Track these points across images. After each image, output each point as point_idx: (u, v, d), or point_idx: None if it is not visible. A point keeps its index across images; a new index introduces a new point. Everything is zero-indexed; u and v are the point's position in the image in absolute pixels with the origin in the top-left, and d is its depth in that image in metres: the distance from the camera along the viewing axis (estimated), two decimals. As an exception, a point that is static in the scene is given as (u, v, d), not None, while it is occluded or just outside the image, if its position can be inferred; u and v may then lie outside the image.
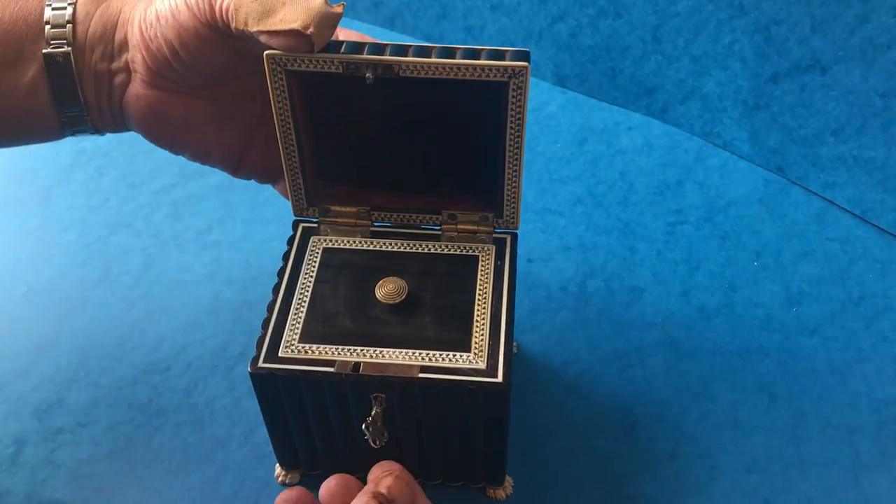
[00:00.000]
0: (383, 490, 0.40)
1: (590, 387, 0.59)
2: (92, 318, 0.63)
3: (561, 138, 0.75)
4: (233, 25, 0.42)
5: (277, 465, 0.55)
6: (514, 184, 0.50)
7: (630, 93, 0.75)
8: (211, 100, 0.48)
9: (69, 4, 0.45)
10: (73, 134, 0.48)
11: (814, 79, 0.64)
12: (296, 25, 0.41)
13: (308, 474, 0.55)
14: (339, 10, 0.42)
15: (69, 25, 0.44)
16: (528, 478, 0.54)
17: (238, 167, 0.51)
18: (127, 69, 0.46)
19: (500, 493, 0.53)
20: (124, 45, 0.45)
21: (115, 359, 0.61)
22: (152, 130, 0.48)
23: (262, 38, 0.42)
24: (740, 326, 0.62)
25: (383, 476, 0.41)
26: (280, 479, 0.55)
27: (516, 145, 0.48)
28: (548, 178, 0.72)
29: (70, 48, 0.44)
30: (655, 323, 0.62)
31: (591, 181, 0.72)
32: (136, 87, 0.46)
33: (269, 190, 0.55)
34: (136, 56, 0.45)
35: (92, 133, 0.49)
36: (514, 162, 0.49)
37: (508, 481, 0.54)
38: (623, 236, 0.68)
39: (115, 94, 0.47)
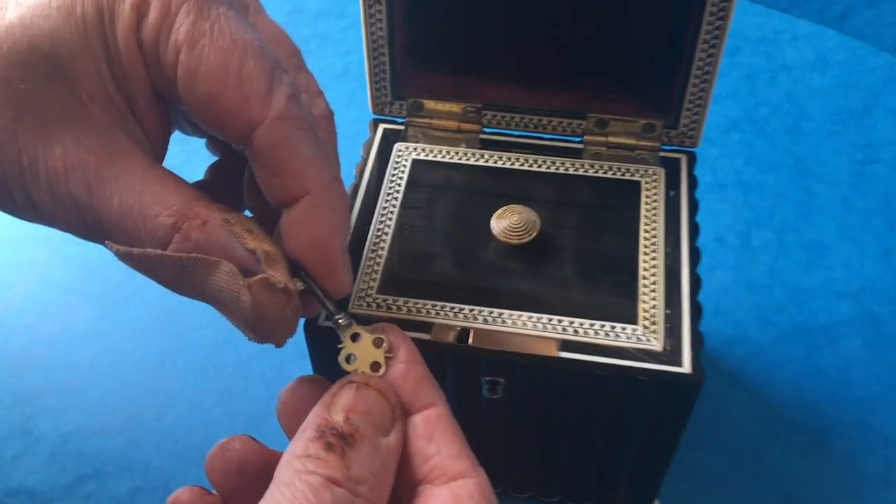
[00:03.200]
0: (338, 417, 0.24)
1: (762, 376, 0.43)
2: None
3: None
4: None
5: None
6: (706, 73, 0.34)
7: (802, -10, 0.58)
8: None
9: None
10: None
11: None
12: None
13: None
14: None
15: None
16: (680, 500, 0.39)
17: None
18: None
19: (644, 521, 0.38)
20: None
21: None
22: None
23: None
24: (965, 303, 0.45)
25: (341, 389, 0.25)
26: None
27: (721, 12, 0.32)
28: (692, 94, 0.55)
29: None
30: (848, 293, 0.46)
31: (748, 101, 0.55)
32: None
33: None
34: None
35: None
36: (714, 33, 0.32)
37: (655, 505, 0.38)
38: (796, 175, 0.51)
39: None
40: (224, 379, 0.44)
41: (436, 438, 0.24)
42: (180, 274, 0.24)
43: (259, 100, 0.24)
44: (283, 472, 0.23)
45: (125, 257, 0.24)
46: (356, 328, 0.26)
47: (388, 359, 0.25)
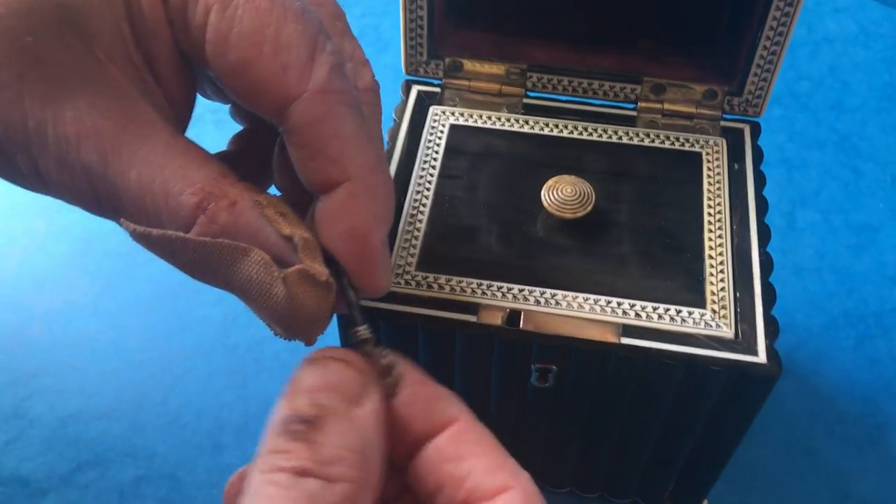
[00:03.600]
0: (301, 401, 0.20)
1: (812, 365, 0.40)
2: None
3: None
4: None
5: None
6: (777, 38, 0.31)
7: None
8: None
9: None
10: None
11: None
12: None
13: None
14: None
15: None
16: (729, 498, 0.36)
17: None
18: None
19: (691, 520, 0.35)
20: None
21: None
22: None
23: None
24: None
25: (301, 371, 0.21)
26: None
27: (801, -33, 0.29)
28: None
29: None
30: (900, 278, 0.43)
31: (788, 76, 0.52)
32: None
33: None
34: None
35: None
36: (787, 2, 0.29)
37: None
38: (842, 152, 0.48)
39: None
40: (235, 360, 0.41)
41: (465, 458, 0.21)
42: (204, 260, 0.21)
43: (298, 70, 0.21)
44: (251, 480, 0.19)
45: (142, 238, 0.21)
46: (372, 347, 0.22)
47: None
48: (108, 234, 0.44)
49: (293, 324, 0.22)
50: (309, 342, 0.23)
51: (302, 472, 0.19)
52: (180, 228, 0.21)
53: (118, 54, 0.20)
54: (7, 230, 0.45)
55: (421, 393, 0.22)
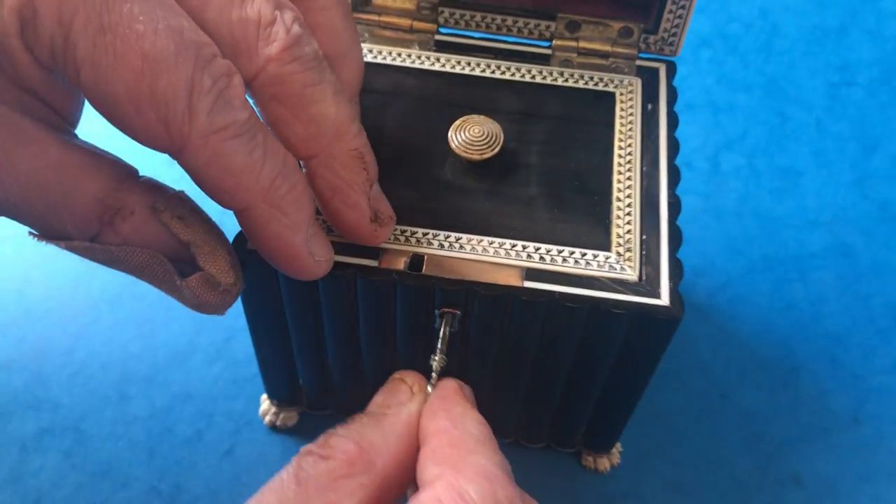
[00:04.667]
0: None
1: (730, 310, 0.40)
2: None
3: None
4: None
5: (264, 397, 0.36)
6: (692, -28, 0.30)
7: None
8: None
9: None
10: None
11: None
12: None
13: (310, 414, 0.36)
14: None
15: None
16: (644, 441, 0.36)
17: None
18: None
19: (604, 464, 0.35)
20: None
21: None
22: None
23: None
24: (940, 235, 0.43)
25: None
26: (267, 418, 0.36)
27: None
28: (660, 7, 0.51)
29: None
30: (821, 222, 0.43)
31: (720, 17, 0.51)
32: None
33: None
34: None
35: None
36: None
37: (616, 448, 0.35)
38: (769, 96, 0.48)
39: None
40: (144, 310, 0.39)
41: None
42: (113, 262, 0.23)
43: (178, 121, 0.20)
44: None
45: (56, 246, 0.22)
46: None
47: None
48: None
49: (201, 311, 0.24)
50: (218, 314, 0.24)
51: None
52: (86, 237, 0.22)
53: None
54: None
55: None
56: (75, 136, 0.22)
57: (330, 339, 0.31)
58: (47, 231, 0.22)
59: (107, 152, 0.22)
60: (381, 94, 0.31)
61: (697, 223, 0.42)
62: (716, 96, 0.47)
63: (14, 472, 0.35)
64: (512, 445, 0.35)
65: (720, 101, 0.47)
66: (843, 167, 0.45)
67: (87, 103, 0.22)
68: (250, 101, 0.22)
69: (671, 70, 0.32)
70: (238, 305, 0.28)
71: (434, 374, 0.27)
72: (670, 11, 0.31)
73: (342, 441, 0.24)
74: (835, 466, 0.36)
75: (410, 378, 0.27)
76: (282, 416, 0.36)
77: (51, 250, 0.40)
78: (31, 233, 0.22)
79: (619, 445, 0.36)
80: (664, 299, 0.26)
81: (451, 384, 0.27)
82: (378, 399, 0.27)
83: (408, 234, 0.27)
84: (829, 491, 0.35)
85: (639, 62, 0.32)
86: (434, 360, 0.27)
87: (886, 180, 0.45)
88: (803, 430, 0.37)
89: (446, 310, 0.27)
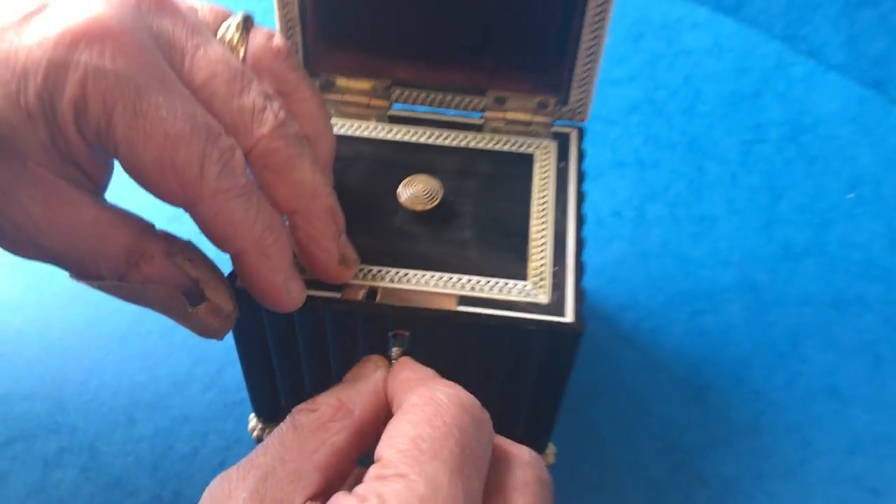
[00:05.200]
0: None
1: (650, 338, 0.46)
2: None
3: (613, 31, 0.61)
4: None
5: (252, 416, 0.42)
6: (591, 57, 0.37)
7: (699, -19, 0.62)
8: None
9: None
10: None
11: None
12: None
13: (291, 430, 0.42)
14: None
15: None
16: (574, 447, 0.42)
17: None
18: None
19: (541, 466, 0.41)
20: None
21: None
22: None
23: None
24: (835, 271, 0.50)
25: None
26: (255, 433, 0.42)
27: (603, 2, 0.35)
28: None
29: None
30: (731, 261, 0.50)
31: (649, 85, 0.59)
32: None
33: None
34: None
35: None
36: (597, 24, 0.36)
37: (551, 449, 0.42)
38: (690, 153, 0.55)
39: None
40: (148, 346, 0.46)
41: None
42: (137, 297, 0.29)
43: (192, 184, 0.27)
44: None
45: (89, 285, 0.29)
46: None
47: None
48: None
49: (205, 335, 0.31)
50: (220, 339, 0.32)
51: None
52: (115, 277, 0.28)
53: (46, 162, 0.26)
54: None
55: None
56: (104, 198, 0.29)
57: (304, 361, 0.37)
58: (83, 273, 0.28)
59: (129, 211, 0.29)
60: (345, 159, 0.38)
61: (624, 265, 0.49)
62: (643, 154, 0.55)
63: (38, 484, 0.41)
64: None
65: (647, 158, 0.55)
66: (753, 214, 0.52)
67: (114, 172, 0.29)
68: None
69: (580, 134, 0.39)
70: (229, 340, 0.35)
71: (393, 361, 0.33)
72: (577, 87, 0.38)
73: (326, 397, 0.30)
74: (736, 468, 0.42)
75: (374, 357, 0.33)
76: (267, 431, 0.42)
77: (67, 296, 0.47)
78: (70, 275, 0.29)
79: (553, 447, 0.42)
80: (569, 317, 0.33)
81: (407, 358, 0.32)
82: (349, 374, 0.32)
83: (365, 271, 0.34)
84: (730, 489, 0.41)
85: (554, 128, 0.39)
86: (392, 352, 0.33)
87: (790, 224, 0.52)
88: (710, 438, 0.43)
89: (397, 332, 0.34)
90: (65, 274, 0.29)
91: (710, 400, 0.44)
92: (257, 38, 0.32)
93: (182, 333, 0.45)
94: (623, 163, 0.54)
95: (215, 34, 0.31)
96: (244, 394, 0.41)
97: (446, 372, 0.36)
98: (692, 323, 0.47)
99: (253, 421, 0.42)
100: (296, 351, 0.37)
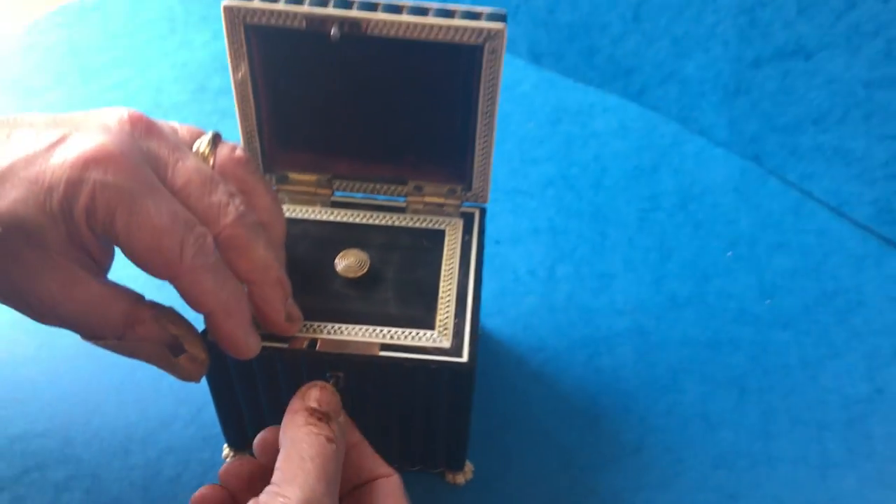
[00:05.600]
0: (313, 403, 0.39)
1: (555, 375, 0.56)
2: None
3: (534, 118, 0.72)
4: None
5: (225, 445, 0.52)
6: (484, 155, 0.47)
7: (607, 73, 0.73)
8: None
9: None
10: None
11: (797, 65, 0.62)
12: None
13: (257, 457, 0.52)
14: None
15: None
16: (489, 465, 0.52)
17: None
18: None
19: (460, 479, 0.51)
20: None
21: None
22: None
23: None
24: (712, 318, 0.60)
25: (308, 389, 0.40)
26: (228, 460, 0.52)
27: (489, 113, 0.45)
28: (519, 158, 0.69)
29: None
30: (625, 311, 0.60)
31: (563, 163, 0.69)
32: None
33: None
34: None
35: None
36: (486, 131, 0.46)
37: (469, 467, 0.51)
38: (594, 221, 0.65)
39: None
40: (140, 392, 0.55)
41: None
42: (131, 352, 0.39)
43: (174, 262, 0.36)
44: (293, 434, 0.37)
45: (96, 344, 0.38)
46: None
47: None
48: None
49: (184, 378, 0.41)
50: (196, 382, 0.41)
51: (329, 440, 0.37)
52: (115, 337, 0.37)
53: (64, 251, 0.36)
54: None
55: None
56: (107, 277, 0.39)
57: (263, 397, 0.47)
58: (90, 334, 0.38)
59: (125, 286, 0.38)
60: (294, 237, 0.48)
61: (536, 315, 0.59)
62: (556, 222, 0.65)
63: (50, 505, 0.50)
64: (396, 468, 0.51)
65: (558, 225, 0.65)
66: (645, 271, 0.62)
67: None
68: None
69: (483, 214, 0.50)
70: (205, 385, 0.45)
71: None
72: (477, 177, 0.48)
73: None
74: (622, 482, 0.51)
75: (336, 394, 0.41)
76: (237, 457, 0.51)
77: (74, 352, 0.56)
78: (80, 336, 0.38)
79: (471, 465, 0.51)
80: (465, 358, 0.43)
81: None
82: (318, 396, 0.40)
83: (308, 326, 0.44)
84: (616, 499, 0.51)
85: (462, 209, 0.50)
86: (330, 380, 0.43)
87: (676, 279, 0.62)
88: (601, 457, 0.52)
89: (333, 372, 0.44)
90: (71, 334, 0.39)
91: (601, 426, 0.54)
92: (224, 150, 0.42)
93: (167, 380, 0.55)
94: (538, 229, 0.65)
95: (191, 148, 0.41)
96: (219, 428, 0.51)
97: (374, 407, 0.46)
98: (590, 363, 0.57)
99: (226, 450, 0.52)
100: (256, 389, 0.46)
